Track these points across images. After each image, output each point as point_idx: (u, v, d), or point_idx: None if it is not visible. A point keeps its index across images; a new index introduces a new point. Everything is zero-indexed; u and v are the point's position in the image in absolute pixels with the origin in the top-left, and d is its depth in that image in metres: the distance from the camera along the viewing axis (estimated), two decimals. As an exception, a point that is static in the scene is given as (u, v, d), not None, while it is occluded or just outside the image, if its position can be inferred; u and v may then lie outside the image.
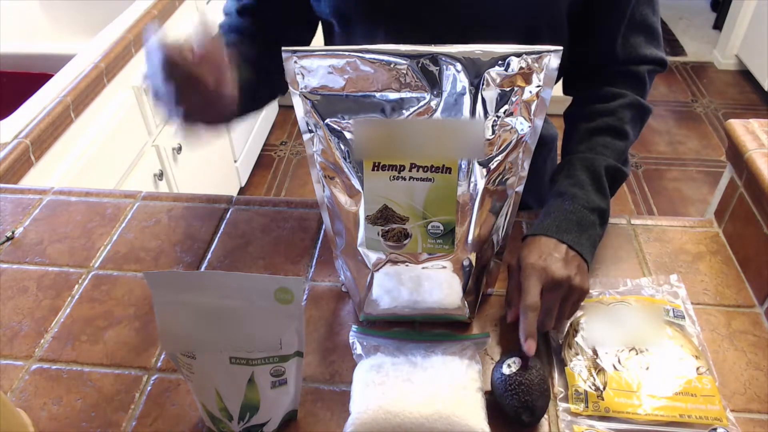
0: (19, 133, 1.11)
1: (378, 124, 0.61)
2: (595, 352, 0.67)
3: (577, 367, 0.66)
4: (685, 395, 0.62)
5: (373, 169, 0.62)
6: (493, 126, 0.61)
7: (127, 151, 1.45)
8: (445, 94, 0.60)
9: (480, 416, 0.61)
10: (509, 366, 0.62)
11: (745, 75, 3.11)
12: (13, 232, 0.87)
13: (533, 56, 0.60)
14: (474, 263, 0.66)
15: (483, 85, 0.60)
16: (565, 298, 0.66)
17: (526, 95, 0.61)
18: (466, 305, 0.70)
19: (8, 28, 1.62)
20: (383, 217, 0.63)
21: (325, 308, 0.76)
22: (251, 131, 2.44)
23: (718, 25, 3.40)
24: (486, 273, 0.71)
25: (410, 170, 0.61)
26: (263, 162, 2.60)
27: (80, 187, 0.98)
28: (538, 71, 0.60)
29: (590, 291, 0.73)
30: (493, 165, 0.62)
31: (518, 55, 0.59)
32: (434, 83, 0.60)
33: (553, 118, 0.94)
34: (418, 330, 0.73)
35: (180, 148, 1.66)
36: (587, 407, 0.63)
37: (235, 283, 0.52)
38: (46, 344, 0.72)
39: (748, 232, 0.79)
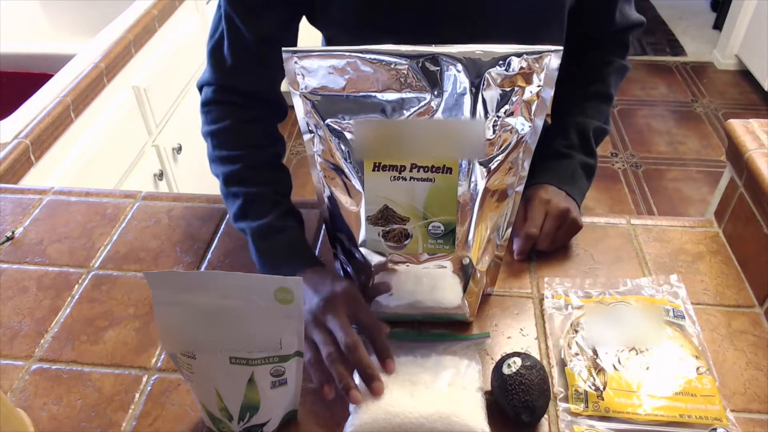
0: (19, 133, 1.11)
1: (378, 124, 0.61)
2: (595, 352, 0.67)
3: (577, 367, 0.66)
4: (685, 395, 0.62)
5: (373, 170, 0.62)
6: (493, 126, 0.61)
7: (127, 151, 1.45)
8: (445, 95, 0.60)
9: (480, 416, 0.61)
10: (509, 366, 0.62)
11: (745, 75, 3.11)
12: (13, 232, 0.87)
13: (534, 56, 0.60)
14: (474, 263, 0.66)
15: (483, 85, 0.60)
16: (560, 227, 0.80)
17: (527, 95, 0.61)
18: (466, 305, 0.70)
19: (8, 28, 1.61)
20: (384, 217, 0.63)
21: (325, 308, 0.75)
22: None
23: (718, 25, 3.40)
24: (486, 273, 0.71)
25: (411, 170, 0.61)
26: (263, 162, 2.60)
27: (80, 187, 0.98)
28: (539, 71, 0.60)
29: (590, 291, 0.75)
30: (493, 165, 0.62)
31: (519, 55, 0.59)
32: (435, 83, 0.60)
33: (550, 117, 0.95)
34: (418, 330, 0.73)
35: (180, 148, 1.66)
36: (587, 407, 0.62)
37: (235, 283, 0.52)
38: (46, 344, 0.72)
39: (748, 232, 0.79)
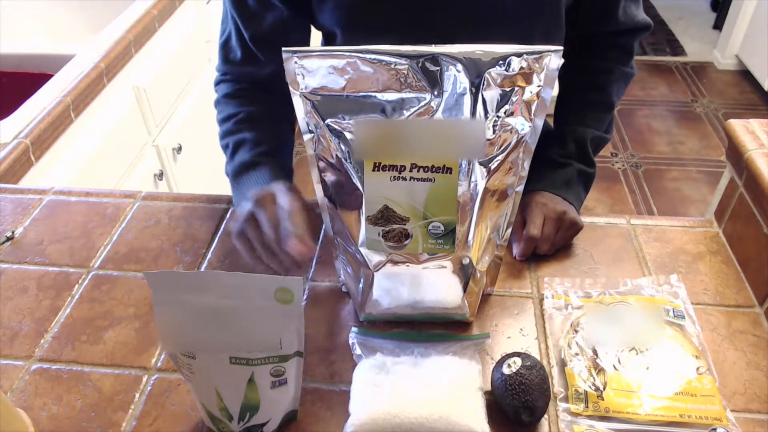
0: (19, 133, 1.11)
1: (378, 124, 0.61)
2: (595, 352, 0.67)
3: (577, 367, 0.66)
4: (685, 395, 0.62)
5: (373, 170, 0.61)
6: (493, 126, 0.61)
7: (127, 151, 1.45)
8: (445, 95, 0.60)
9: (480, 416, 0.61)
10: (509, 366, 0.62)
11: (745, 75, 3.11)
12: (13, 232, 0.87)
13: (534, 56, 0.60)
14: (474, 263, 0.66)
15: (483, 85, 0.60)
16: (559, 229, 0.81)
17: (527, 95, 0.61)
18: (466, 305, 0.70)
19: (8, 28, 1.61)
20: (384, 217, 0.63)
21: (325, 308, 0.76)
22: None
23: (718, 25, 3.40)
24: (486, 273, 0.71)
25: (411, 170, 0.61)
26: (263, 162, 2.60)
27: (80, 187, 0.98)
28: (539, 71, 0.60)
29: (590, 291, 0.74)
30: (493, 165, 0.62)
31: (519, 55, 0.59)
32: (435, 83, 0.60)
33: (550, 117, 0.94)
34: (418, 330, 0.73)
35: (180, 148, 1.66)
36: (587, 407, 0.63)
37: (235, 283, 0.52)
38: (46, 344, 0.72)
39: (748, 232, 0.79)
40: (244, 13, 0.81)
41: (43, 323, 0.75)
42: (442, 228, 0.63)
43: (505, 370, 0.62)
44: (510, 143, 0.62)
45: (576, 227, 0.82)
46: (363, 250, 0.66)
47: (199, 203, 0.92)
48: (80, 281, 0.80)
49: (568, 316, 0.72)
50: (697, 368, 0.65)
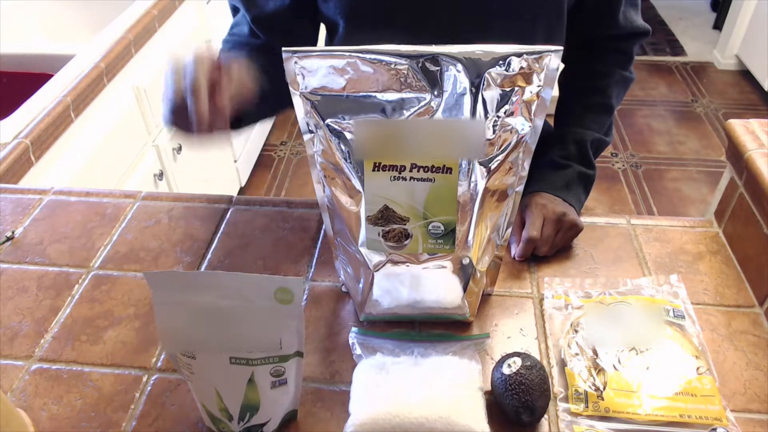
0: (19, 133, 1.11)
1: (378, 124, 0.61)
2: (595, 352, 0.67)
3: (577, 367, 0.66)
4: (685, 395, 0.62)
5: (373, 170, 0.62)
6: (493, 126, 0.61)
7: (127, 151, 1.45)
8: (445, 95, 0.60)
9: (480, 416, 0.61)
10: (509, 366, 0.62)
11: (745, 75, 3.11)
12: (13, 232, 0.87)
13: (534, 56, 0.60)
14: (474, 263, 0.66)
15: (483, 85, 0.60)
16: (559, 230, 0.80)
17: (527, 95, 0.61)
18: (466, 305, 0.70)
19: (8, 28, 1.61)
20: (384, 217, 0.63)
21: (325, 308, 0.76)
22: (251, 131, 2.44)
23: (718, 25, 3.40)
24: (486, 273, 0.71)
25: (411, 170, 0.61)
26: (263, 162, 2.60)
27: (80, 187, 0.98)
28: (539, 71, 0.60)
29: (590, 291, 0.74)
30: (493, 165, 0.62)
31: (519, 55, 0.59)
32: (435, 83, 0.60)
33: (551, 118, 0.94)
34: (418, 330, 0.73)
35: (180, 148, 1.66)
36: (587, 407, 0.63)
37: (234, 283, 0.52)
38: (46, 344, 0.72)
39: (748, 232, 0.79)
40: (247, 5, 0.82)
41: (43, 323, 0.75)
42: (442, 228, 0.63)
43: (505, 370, 0.62)
44: (510, 143, 0.62)
45: (576, 229, 0.82)
46: (363, 250, 0.66)
47: (199, 203, 0.92)
48: (80, 281, 0.80)
49: (568, 316, 0.72)
50: (697, 368, 0.65)
